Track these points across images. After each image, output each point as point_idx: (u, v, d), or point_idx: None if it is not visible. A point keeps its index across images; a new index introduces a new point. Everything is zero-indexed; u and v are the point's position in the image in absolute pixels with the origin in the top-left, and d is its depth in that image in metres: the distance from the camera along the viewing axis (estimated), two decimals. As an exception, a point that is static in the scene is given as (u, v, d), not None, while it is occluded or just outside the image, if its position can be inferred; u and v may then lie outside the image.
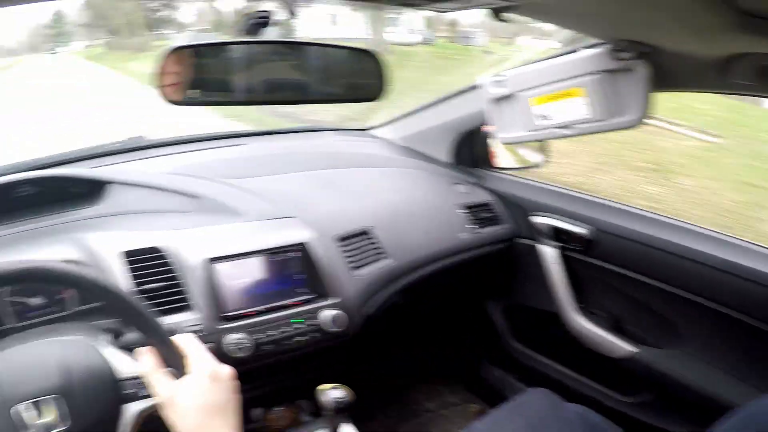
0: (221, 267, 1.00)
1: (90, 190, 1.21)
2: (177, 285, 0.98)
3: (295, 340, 1.03)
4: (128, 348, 0.73)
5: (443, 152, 1.56)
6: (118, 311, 0.68)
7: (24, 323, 1.01)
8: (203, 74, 0.76)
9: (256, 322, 1.00)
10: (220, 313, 0.98)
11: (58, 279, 0.65)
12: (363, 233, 1.18)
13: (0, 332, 0.98)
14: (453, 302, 1.63)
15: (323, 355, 1.27)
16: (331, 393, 0.91)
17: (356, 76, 0.92)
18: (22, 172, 1.18)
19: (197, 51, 0.76)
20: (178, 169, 1.30)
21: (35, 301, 1.01)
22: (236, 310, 1.00)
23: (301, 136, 1.61)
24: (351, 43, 0.99)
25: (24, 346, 0.76)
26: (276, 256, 1.05)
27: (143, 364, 0.68)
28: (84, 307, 1.03)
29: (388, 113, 1.82)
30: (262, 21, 0.85)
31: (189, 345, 0.69)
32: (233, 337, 0.97)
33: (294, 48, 0.82)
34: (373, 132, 1.70)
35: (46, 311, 1.02)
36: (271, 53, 0.79)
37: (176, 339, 0.69)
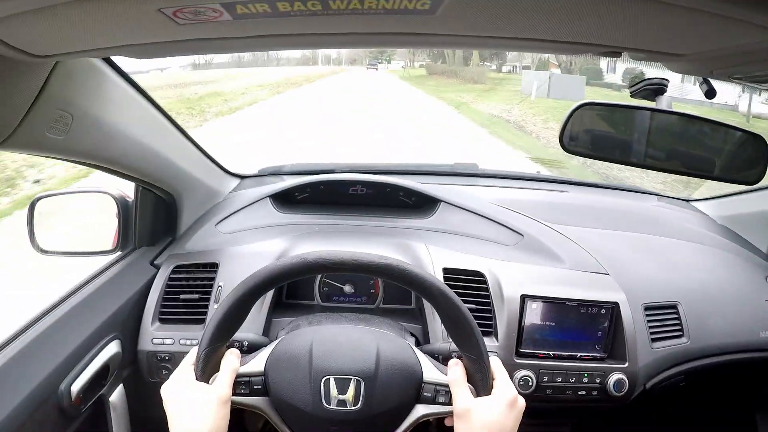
0: (532, 305, 1.05)
1: (420, 203, 1.36)
2: (488, 311, 1.06)
3: (577, 393, 1.03)
4: (432, 355, 0.79)
5: (765, 242, 1.38)
6: (450, 319, 0.70)
7: (330, 305, 1.17)
8: (603, 131, 0.87)
9: (547, 365, 1.03)
10: (518, 347, 1.04)
11: (406, 278, 0.69)
12: (671, 307, 1.14)
13: (306, 306, 1.17)
14: (729, 400, 1.42)
15: (585, 412, 1.28)
16: None
17: (740, 157, 0.90)
18: (357, 173, 1.38)
19: (601, 109, 0.87)
20: (504, 202, 1.36)
21: (348, 289, 1.19)
22: (532, 349, 1.05)
23: (624, 195, 1.59)
24: (742, 125, 0.96)
25: (344, 328, 0.83)
26: (585, 308, 1.06)
27: (453, 374, 0.71)
28: (391, 306, 1.17)
29: (711, 187, 1.66)
30: (659, 88, 0.90)
31: (498, 368, 0.73)
32: (522, 373, 1.02)
33: (691, 122, 0.85)
34: (694, 204, 1.59)
35: (354, 300, 1.19)
36: (670, 123, 0.84)
37: (491, 361, 0.71)
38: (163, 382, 0.71)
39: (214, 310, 0.75)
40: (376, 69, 55.27)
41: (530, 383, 1.02)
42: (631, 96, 0.90)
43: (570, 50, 0.51)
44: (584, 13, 0.41)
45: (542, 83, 18.47)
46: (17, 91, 0.61)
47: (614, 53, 0.52)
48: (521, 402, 0.70)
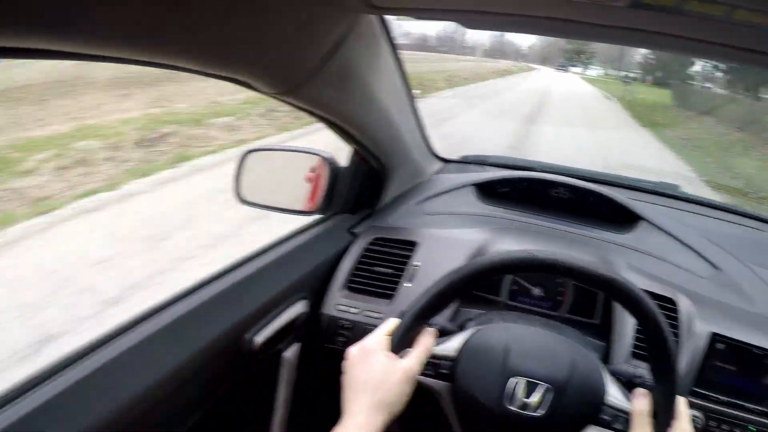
0: (720, 346, 0.97)
1: (620, 218, 1.27)
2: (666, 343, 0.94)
3: None
4: (617, 377, 0.75)
5: None
6: (656, 347, 0.67)
7: (515, 304, 1.11)
8: None
9: (719, 410, 0.94)
10: (693, 385, 0.96)
11: (627, 299, 0.66)
12: None
13: (491, 301, 1.12)
14: None
15: None
16: None
17: None
18: (560, 174, 1.32)
19: None
20: (704, 232, 1.28)
21: (537, 291, 1.12)
22: (707, 391, 0.96)
23: None
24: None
25: (540, 332, 0.81)
26: None
27: (639, 405, 0.67)
28: (574, 317, 1.09)
29: None
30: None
31: (683, 407, 0.68)
32: (691, 413, 0.87)
33: None
34: None
35: (540, 304, 1.11)
36: None
37: (680, 398, 0.68)
38: (337, 350, 0.73)
39: (426, 288, 0.73)
40: (566, 71, 51.46)
41: (698, 425, 0.93)
42: None
43: None
44: None
45: None
46: (327, 41, 0.61)
47: None
48: None
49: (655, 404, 0.68)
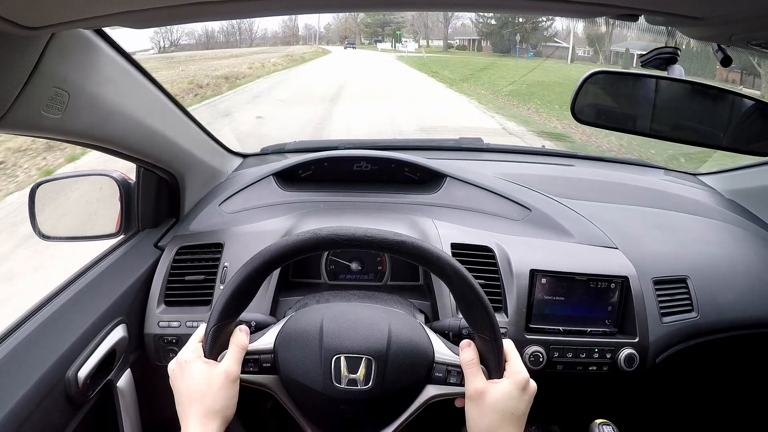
0: (542, 280, 1.05)
1: (425, 179, 1.34)
2: (497, 286, 1.05)
3: (588, 368, 1.03)
4: (442, 332, 0.77)
5: None
6: (464, 298, 0.68)
7: (337, 283, 1.15)
8: (614, 100, 0.84)
9: (557, 341, 1.02)
10: (528, 323, 1.03)
11: (420, 255, 0.67)
12: (680, 281, 1.14)
13: (312, 285, 1.15)
14: (738, 375, 1.43)
15: (598, 388, 1.28)
16: (605, 429, 0.91)
17: (753, 128, 0.88)
18: (361, 149, 1.36)
19: (613, 78, 0.85)
20: (510, 176, 1.34)
21: (355, 266, 1.17)
22: (542, 324, 1.04)
23: (630, 169, 1.58)
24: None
25: (355, 306, 0.81)
26: (595, 283, 1.05)
27: (465, 355, 0.69)
28: (398, 283, 1.16)
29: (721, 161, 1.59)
30: (670, 56, 0.87)
31: (511, 350, 0.70)
32: (533, 349, 1.01)
33: (704, 91, 0.83)
34: (701, 178, 1.57)
35: (361, 278, 1.17)
36: (681, 91, 0.82)
37: (505, 341, 0.70)
38: None
39: (224, 287, 0.73)
40: (354, 48, 48.56)
41: (541, 359, 1.01)
42: (642, 65, 0.87)
43: (587, 13, 0.49)
44: None
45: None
46: (10, 67, 0.59)
47: (632, 16, 0.50)
48: (533, 385, 0.69)
49: (484, 353, 0.69)
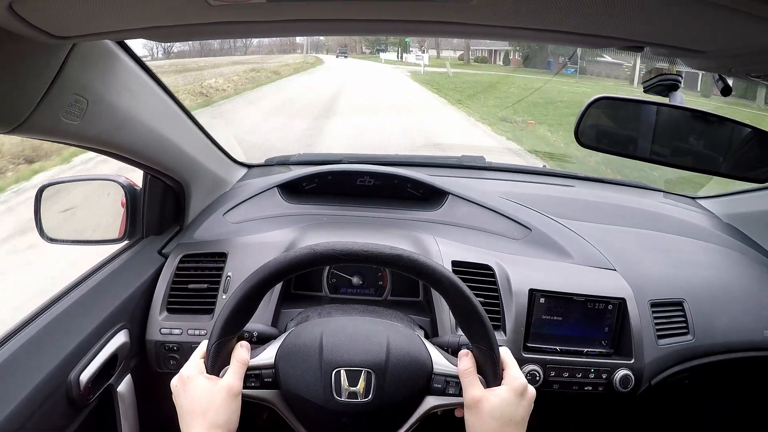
0: (540, 300, 1.06)
1: (427, 195, 1.35)
2: (496, 305, 1.06)
3: (584, 388, 1.04)
4: (442, 347, 0.78)
5: None
6: (460, 310, 0.69)
7: (338, 296, 1.16)
8: (616, 124, 0.86)
9: (554, 360, 1.03)
10: (526, 341, 1.04)
11: (416, 269, 0.67)
12: (677, 304, 1.15)
13: (314, 297, 1.16)
14: (733, 398, 1.44)
15: (594, 408, 1.28)
16: None
17: (751, 155, 0.90)
18: (365, 164, 1.37)
19: (615, 103, 0.87)
20: (511, 195, 1.35)
21: (356, 280, 1.18)
22: (540, 344, 1.05)
23: (629, 191, 1.60)
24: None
25: (354, 320, 0.82)
26: (593, 304, 1.06)
27: (463, 364, 0.70)
28: (399, 298, 1.17)
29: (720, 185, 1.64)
30: (672, 83, 0.89)
31: (508, 358, 0.72)
32: (530, 368, 1.02)
33: (705, 118, 0.85)
34: (700, 202, 1.59)
35: (362, 292, 1.18)
36: (681, 118, 0.84)
37: (502, 349, 0.71)
38: (170, 372, 0.71)
39: (224, 302, 0.75)
40: (345, 57, 47.79)
41: (537, 378, 1.02)
42: (644, 91, 0.89)
43: (595, 43, 0.51)
44: (613, 7, 0.41)
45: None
46: (34, 74, 0.61)
47: (637, 48, 0.52)
48: (531, 391, 0.69)
49: (482, 363, 0.70)
